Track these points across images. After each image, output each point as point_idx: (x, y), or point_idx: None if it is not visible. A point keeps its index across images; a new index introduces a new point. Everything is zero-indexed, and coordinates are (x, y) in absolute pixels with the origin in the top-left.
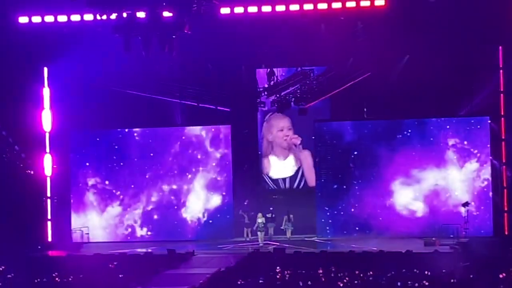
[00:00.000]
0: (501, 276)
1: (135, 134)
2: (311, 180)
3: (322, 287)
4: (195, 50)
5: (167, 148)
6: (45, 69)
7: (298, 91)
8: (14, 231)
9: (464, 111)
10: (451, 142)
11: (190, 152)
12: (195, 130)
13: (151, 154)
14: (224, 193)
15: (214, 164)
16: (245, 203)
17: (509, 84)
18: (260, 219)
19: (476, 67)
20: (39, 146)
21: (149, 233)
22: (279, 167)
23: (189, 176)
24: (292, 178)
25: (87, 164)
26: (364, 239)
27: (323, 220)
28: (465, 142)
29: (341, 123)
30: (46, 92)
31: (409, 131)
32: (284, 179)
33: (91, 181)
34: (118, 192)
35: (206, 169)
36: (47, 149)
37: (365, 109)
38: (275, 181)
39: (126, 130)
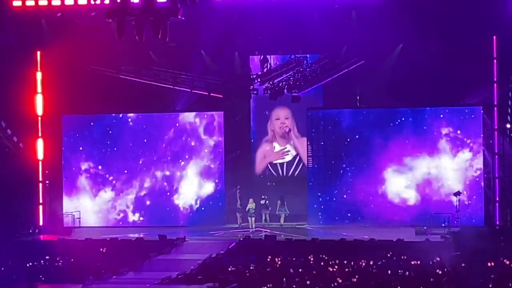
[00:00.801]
0: (490, 265)
1: (129, 120)
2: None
3: (312, 275)
4: (189, 36)
5: (160, 134)
6: (38, 53)
7: (291, 78)
8: (5, 215)
9: (458, 101)
10: (444, 131)
11: (183, 139)
12: (189, 117)
13: (145, 140)
14: (216, 181)
15: (207, 151)
16: (238, 188)
17: (502, 74)
18: (251, 205)
19: (470, 57)
20: (32, 130)
21: (141, 218)
22: (279, 152)
23: (182, 163)
24: (289, 163)
25: (81, 148)
26: (356, 227)
27: (315, 206)
28: (459, 132)
29: (335, 110)
30: (39, 76)
31: (403, 119)
32: (282, 164)
33: (84, 166)
34: (111, 177)
35: (200, 156)
36: (40, 133)
37: (358, 97)
38: (274, 166)
39: (120, 115)
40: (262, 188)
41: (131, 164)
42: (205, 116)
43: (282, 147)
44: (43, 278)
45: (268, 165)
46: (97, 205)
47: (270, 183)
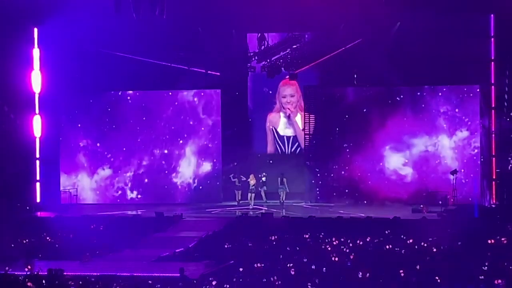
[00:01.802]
0: (486, 243)
1: (128, 98)
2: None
3: (309, 252)
4: (186, 14)
5: (159, 113)
6: (35, 30)
7: (289, 56)
8: (2, 192)
9: (456, 79)
10: (442, 109)
11: (182, 118)
12: (188, 96)
13: (144, 118)
14: (214, 160)
15: (206, 130)
16: (234, 164)
17: (500, 52)
18: (252, 181)
19: (467, 35)
20: (29, 107)
21: (139, 196)
22: (286, 123)
23: (181, 141)
24: (294, 138)
25: (79, 125)
26: (353, 205)
27: (313, 181)
28: (457, 110)
29: (333, 88)
30: (36, 53)
31: (401, 96)
32: (288, 137)
33: (82, 143)
34: (109, 155)
35: (198, 135)
36: (37, 110)
37: (355, 76)
38: (281, 137)
39: (120, 93)
40: (260, 166)
41: (129, 142)
42: (202, 94)
43: (288, 120)
44: (40, 255)
45: (276, 134)
46: (95, 182)
47: (268, 161)
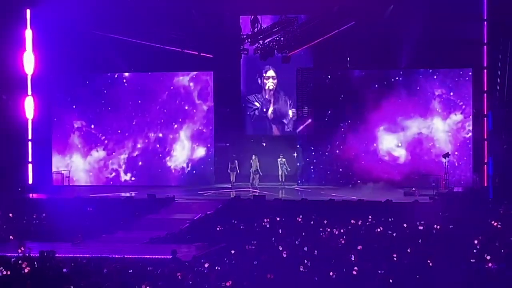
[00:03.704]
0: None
1: (124, 80)
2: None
3: (301, 235)
4: None
5: (155, 96)
6: (28, 11)
7: (282, 39)
8: None
9: (449, 63)
10: (437, 92)
11: (177, 102)
12: (184, 81)
13: (139, 101)
14: (208, 145)
15: (200, 115)
16: (227, 145)
17: (492, 36)
18: (254, 163)
19: (460, 18)
20: (21, 89)
21: (133, 178)
22: None
23: (175, 126)
24: None
25: (74, 107)
26: (345, 187)
27: (307, 159)
28: (451, 93)
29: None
30: (28, 34)
31: (397, 78)
32: None
33: (76, 124)
34: (104, 137)
35: (193, 120)
36: (29, 92)
37: (348, 58)
38: None
39: (116, 75)
40: (253, 148)
41: (124, 125)
42: (194, 76)
43: None
44: (32, 237)
45: None
46: (88, 163)
47: (260, 143)
